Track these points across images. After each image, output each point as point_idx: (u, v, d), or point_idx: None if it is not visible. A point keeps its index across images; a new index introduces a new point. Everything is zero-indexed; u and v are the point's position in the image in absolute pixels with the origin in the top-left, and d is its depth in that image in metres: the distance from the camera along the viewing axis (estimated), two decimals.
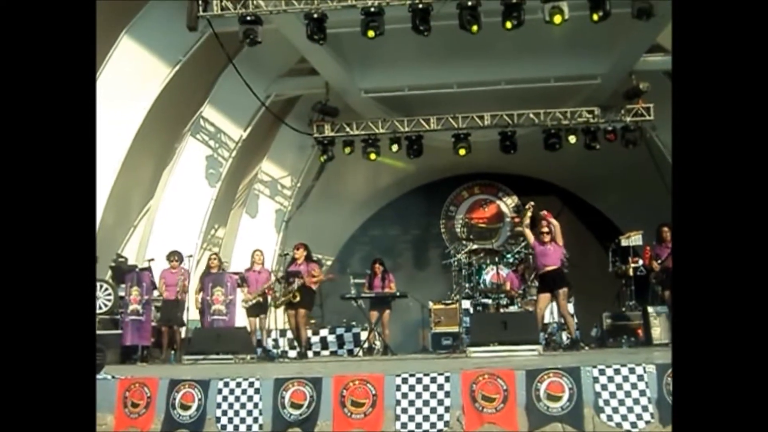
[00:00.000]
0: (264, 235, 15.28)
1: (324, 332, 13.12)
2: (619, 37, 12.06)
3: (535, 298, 10.58)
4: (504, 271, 12.78)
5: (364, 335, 12.46)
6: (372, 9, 9.74)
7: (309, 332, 12.11)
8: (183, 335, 11.47)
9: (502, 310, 11.57)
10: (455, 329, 12.64)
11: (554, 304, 10.16)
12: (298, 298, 10.46)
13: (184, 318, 11.29)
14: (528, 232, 10.22)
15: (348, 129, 14.21)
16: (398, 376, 5.31)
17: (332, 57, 12.30)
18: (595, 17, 9.65)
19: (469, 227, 18.26)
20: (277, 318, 11.35)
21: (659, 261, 10.08)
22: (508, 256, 14.40)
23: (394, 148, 14.30)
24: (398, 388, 5.27)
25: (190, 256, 11.96)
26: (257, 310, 10.87)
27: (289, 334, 12.32)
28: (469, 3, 9.60)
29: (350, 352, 12.75)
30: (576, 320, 12.63)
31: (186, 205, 13.34)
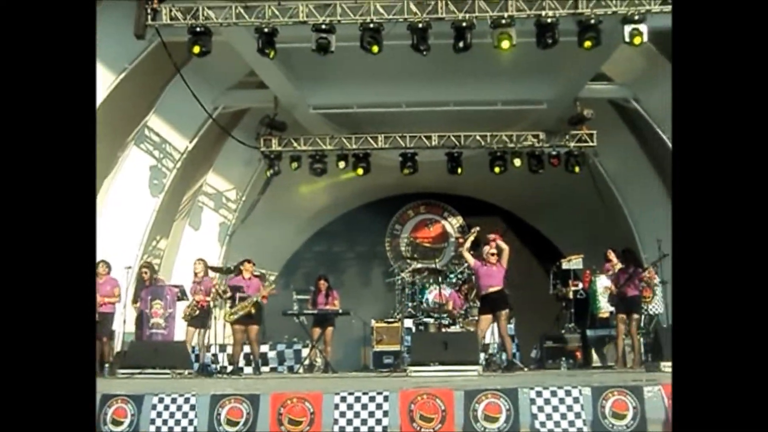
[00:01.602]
0: (207, 247, 15.07)
1: (264, 348, 12.96)
2: (566, 65, 12.33)
3: (477, 318, 10.65)
4: (447, 291, 12.83)
5: (305, 352, 12.35)
6: (323, 26, 9.75)
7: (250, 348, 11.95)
8: (116, 348, 11.19)
9: (443, 330, 11.60)
10: (397, 348, 12.62)
11: (495, 324, 10.24)
12: (254, 311, 10.39)
13: (115, 330, 11.01)
14: (468, 255, 10.32)
15: (295, 144, 14.16)
16: (337, 394, 5.27)
17: (282, 71, 12.27)
18: (544, 44, 9.82)
19: (413, 246, 18.36)
20: (218, 333, 11.18)
21: (618, 285, 10.28)
22: (452, 276, 14.47)
23: (341, 164, 14.30)
24: (336, 406, 5.23)
25: (129, 267, 11.71)
26: (197, 323, 10.64)
27: (229, 350, 12.14)
28: (420, 25, 9.69)
29: (291, 369, 12.62)
30: (516, 341, 12.77)
31: (127, 215, 13.08)
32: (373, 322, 13.66)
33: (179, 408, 5.41)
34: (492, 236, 10.32)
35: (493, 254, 9.91)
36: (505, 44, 9.81)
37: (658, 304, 11.92)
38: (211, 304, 10.69)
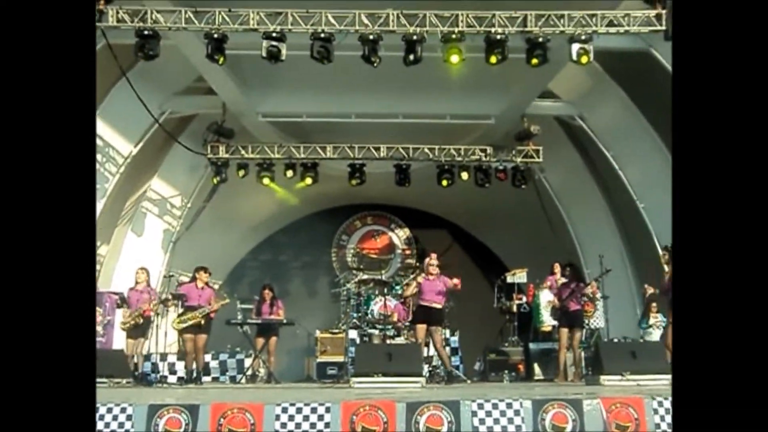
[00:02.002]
0: (150, 254, 14.81)
1: (207, 358, 12.77)
2: (514, 81, 12.51)
3: None
4: (392, 303, 12.85)
5: (248, 362, 12.22)
6: (274, 34, 9.69)
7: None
8: None
9: (388, 342, 11.61)
10: (341, 359, 12.59)
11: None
12: (203, 322, 10.25)
13: None
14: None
15: (243, 152, 14.04)
16: (278, 405, 5.21)
17: (231, 78, 12.16)
18: (493, 60, 9.94)
19: (360, 257, 18.36)
20: (159, 342, 10.97)
21: (561, 300, 10.41)
22: (397, 287, 14.50)
23: (289, 173, 14.23)
24: (277, 417, 5.16)
25: None
26: (137, 332, 10.43)
27: (170, 359, 11.93)
28: (371, 37, 9.71)
29: (233, 379, 12.46)
30: (460, 354, 12.85)
31: None
32: (317, 332, 13.60)
33: (115, 418, 5.27)
34: (432, 255, 10.38)
35: (432, 265, 9.94)
36: (455, 59, 9.91)
37: (599, 319, 12.13)
38: (153, 313, 10.50)
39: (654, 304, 11.85)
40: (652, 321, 11.94)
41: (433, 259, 10.09)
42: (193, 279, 10.66)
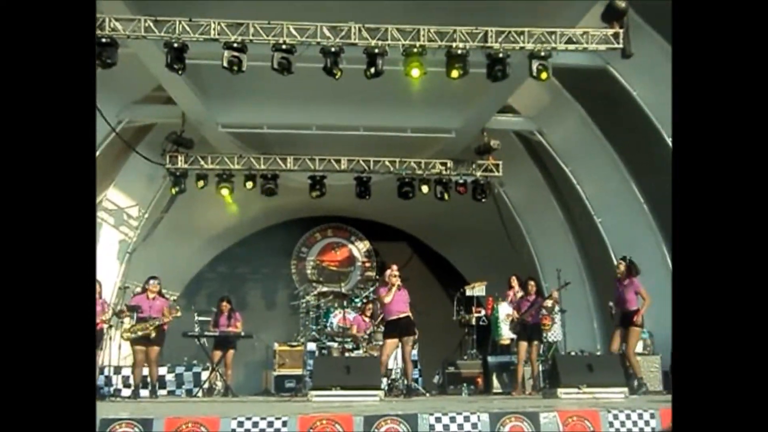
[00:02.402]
0: (105, 265, 14.55)
1: (162, 371, 12.56)
2: (474, 96, 12.61)
3: (380, 343, 10.64)
4: (351, 315, 12.82)
5: (205, 375, 12.06)
6: (235, 44, 9.64)
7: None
8: None
9: (347, 354, 11.56)
10: (299, 372, 12.50)
11: (399, 349, 10.25)
12: (154, 334, 10.04)
13: None
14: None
15: (202, 162, 13.91)
16: (234, 419, 5.14)
17: (191, 88, 12.05)
18: (454, 74, 10.01)
19: (319, 269, 18.30)
20: (112, 354, 10.77)
21: (524, 311, 10.48)
22: (357, 300, 14.49)
23: (249, 185, 14.12)
24: (233, 431, 5.10)
25: None
26: None
27: (125, 372, 11.72)
28: (333, 49, 9.72)
29: (189, 393, 12.28)
30: (419, 367, 12.85)
31: None
32: (276, 345, 13.50)
33: None
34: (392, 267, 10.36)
35: (395, 276, 9.91)
36: (415, 73, 9.96)
37: (557, 332, 12.25)
38: (105, 326, 10.31)
39: None
40: None
41: (394, 270, 10.07)
42: (144, 290, 10.49)
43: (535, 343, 10.47)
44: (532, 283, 10.89)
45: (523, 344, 10.44)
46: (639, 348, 12.34)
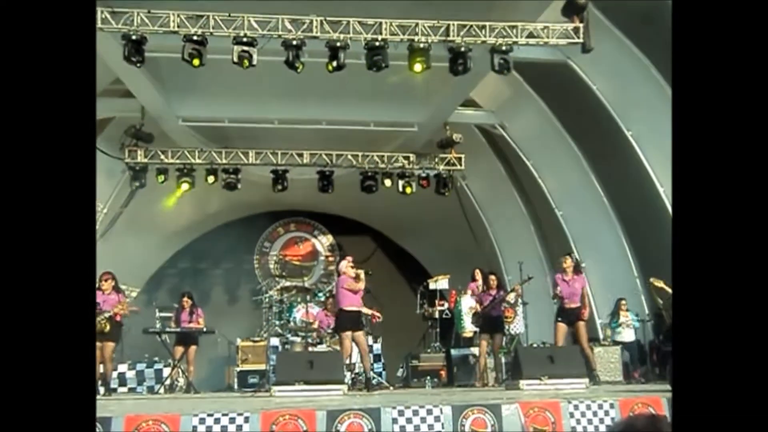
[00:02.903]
0: None
1: (123, 368, 12.42)
2: (437, 89, 12.64)
3: None
4: (314, 310, 12.77)
5: (166, 371, 11.93)
6: (195, 37, 9.53)
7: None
8: None
9: (310, 349, 11.52)
10: (262, 367, 12.44)
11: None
12: (108, 328, 9.82)
13: None
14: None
15: (162, 156, 13.74)
16: (195, 415, 5.09)
17: (150, 81, 11.88)
18: (417, 68, 10.00)
19: (282, 264, 18.21)
20: None
21: (486, 304, 10.53)
22: (320, 294, 14.44)
23: (210, 179, 13.98)
24: (195, 428, 5.05)
25: None
26: None
27: None
28: (294, 42, 9.66)
29: (150, 390, 12.15)
30: (383, 360, 12.87)
31: None
32: (238, 340, 13.40)
33: None
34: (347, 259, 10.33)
35: (351, 266, 9.86)
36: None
37: (519, 324, 12.36)
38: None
39: (624, 302, 11.92)
40: (622, 320, 11.97)
41: (350, 262, 10.03)
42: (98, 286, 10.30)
43: (497, 335, 10.55)
44: (493, 277, 10.95)
45: (485, 337, 10.52)
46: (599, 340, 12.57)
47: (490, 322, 10.52)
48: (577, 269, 10.06)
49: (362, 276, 9.79)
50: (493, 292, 10.65)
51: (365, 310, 10.22)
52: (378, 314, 10.83)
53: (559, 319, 9.93)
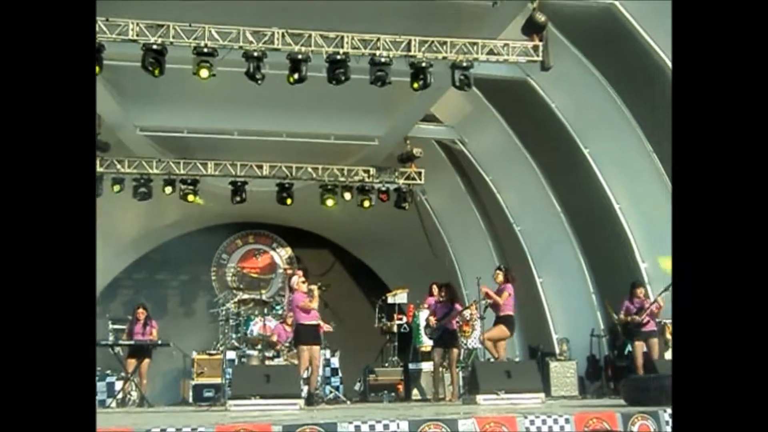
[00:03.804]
0: None
1: None
2: (398, 104, 12.69)
3: None
4: (272, 323, 12.67)
5: (119, 385, 11.71)
6: (154, 46, 9.42)
7: None
8: None
9: (267, 363, 11.41)
10: (218, 381, 12.27)
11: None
12: None
13: None
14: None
15: (119, 166, 13.54)
16: (149, 430, 5.00)
17: (107, 89, 11.71)
18: (377, 82, 9.98)
19: (240, 276, 18.03)
20: None
21: (438, 318, 10.55)
22: (278, 307, 14.34)
23: (168, 190, 13.82)
24: None
25: None
26: None
27: None
28: (255, 54, 9.61)
29: (102, 404, 11.89)
30: (340, 375, 12.81)
31: None
32: (194, 353, 13.22)
33: None
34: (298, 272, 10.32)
35: (303, 282, 9.82)
36: (338, 80, 9.91)
37: (476, 339, 12.38)
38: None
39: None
40: None
41: (301, 276, 10.01)
42: None
43: (451, 349, 10.54)
44: (444, 289, 10.95)
45: (439, 351, 10.51)
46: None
47: (444, 335, 10.51)
48: (507, 279, 10.25)
49: (315, 292, 9.74)
50: (448, 305, 10.64)
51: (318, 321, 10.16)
52: (329, 326, 10.71)
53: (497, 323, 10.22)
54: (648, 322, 10.28)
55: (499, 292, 10.12)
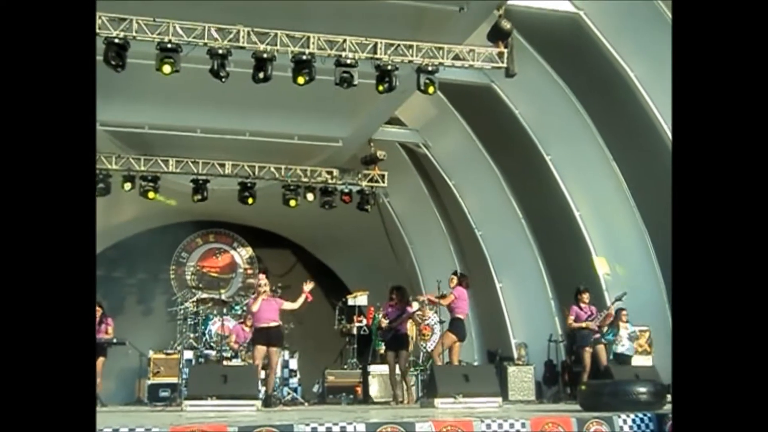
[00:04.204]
0: None
1: None
2: (362, 106, 12.69)
3: None
4: (231, 323, 12.57)
5: None
6: (117, 40, 9.28)
7: None
8: None
9: (224, 363, 11.30)
10: (175, 380, 12.15)
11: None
12: None
13: None
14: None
15: None
16: (101, 431, 4.91)
17: None
18: (348, 84, 9.93)
19: (200, 275, 17.86)
20: None
21: (389, 320, 10.51)
22: (237, 307, 14.23)
23: (127, 186, 13.62)
24: None
25: None
26: None
27: None
28: (220, 51, 9.52)
29: None
30: (299, 376, 12.75)
31: None
32: (150, 352, 13.05)
33: None
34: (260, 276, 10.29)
35: (261, 285, 9.74)
36: (301, 79, 9.87)
37: (435, 342, 12.41)
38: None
39: (624, 312, 11.14)
40: (622, 332, 11.15)
41: (262, 279, 9.96)
42: None
43: (403, 352, 10.48)
44: (396, 292, 10.86)
45: (391, 354, 10.47)
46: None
47: (395, 338, 10.46)
48: (461, 283, 10.34)
49: (260, 297, 9.66)
50: (399, 307, 10.57)
51: (292, 306, 10.03)
52: (308, 297, 10.52)
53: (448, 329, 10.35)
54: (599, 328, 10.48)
55: (443, 296, 10.16)
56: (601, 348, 10.39)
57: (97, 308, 11.25)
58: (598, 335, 10.45)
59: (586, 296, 10.65)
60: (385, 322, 10.66)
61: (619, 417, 5.81)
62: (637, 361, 10.99)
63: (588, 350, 10.41)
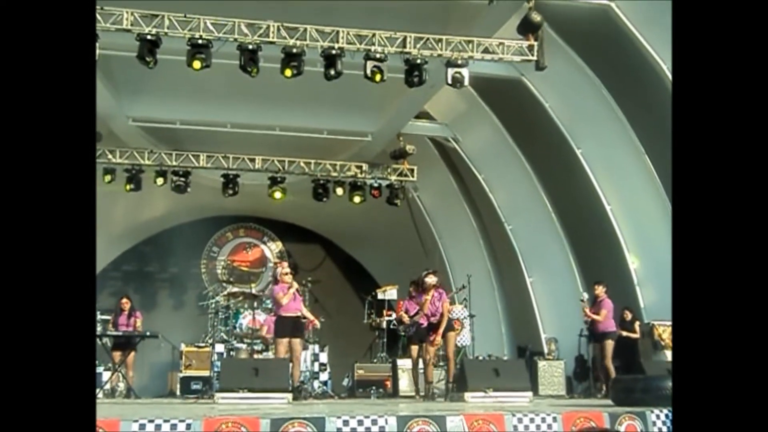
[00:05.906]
0: None
1: None
2: (392, 100, 12.68)
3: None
4: (261, 317, 12.62)
5: (107, 375, 11.66)
6: (149, 37, 9.37)
7: None
8: None
9: (255, 357, 11.39)
10: (206, 373, 12.24)
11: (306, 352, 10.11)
12: None
13: None
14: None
15: (110, 156, 13.48)
16: (135, 421, 4.98)
17: (100, 79, 11.63)
18: (376, 78, 9.92)
19: (230, 269, 17.99)
20: None
21: (410, 315, 10.46)
22: (267, 301, 14.29)
23: (160, 181, 13.77)
24: None
25: None
26: None
27: None
28: (250, 46, 9.58)
29: None
30: (329, 370, 12.80)
31: None
32: (182, 346, 13.18)
33: None
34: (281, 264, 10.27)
35: (285, 273, 9.72)
36: (332, 73, 9.88)
37: (465, 336, 12.40)
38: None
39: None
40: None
41: (285, 267, 9.92)
42: None
43: (425, 345, 10.37)
44: (415, 286, 10.74)
45: (414, 347, 10.40)
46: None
47: (420, 332, 10.38)
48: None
49: (292, 288, 9.58)
50: (419, 299, 10.45)
51: (307, 314, 10.07)
52: (316, 321, 10.59)
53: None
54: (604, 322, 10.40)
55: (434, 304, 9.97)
56: (607, 344, 10.35)
57: (126, 301, 11.45)
58: (607, 329, 10.42)
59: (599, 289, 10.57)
60: (406, 317, 10.53)
61: (652, 412, 5.76)
62: (670, 356, 10.89)
63: (596, 345, 10.39)
